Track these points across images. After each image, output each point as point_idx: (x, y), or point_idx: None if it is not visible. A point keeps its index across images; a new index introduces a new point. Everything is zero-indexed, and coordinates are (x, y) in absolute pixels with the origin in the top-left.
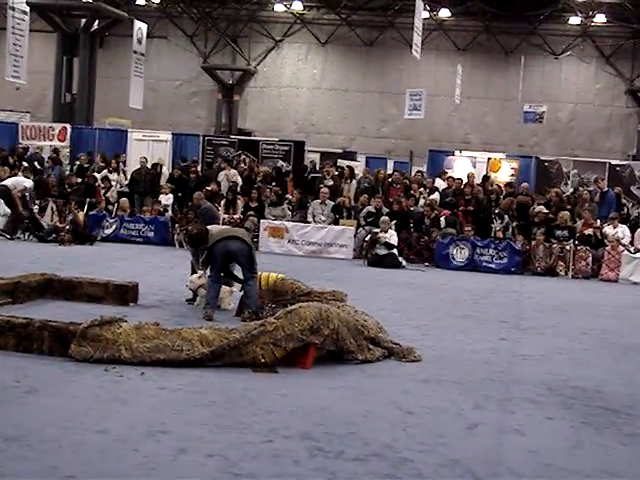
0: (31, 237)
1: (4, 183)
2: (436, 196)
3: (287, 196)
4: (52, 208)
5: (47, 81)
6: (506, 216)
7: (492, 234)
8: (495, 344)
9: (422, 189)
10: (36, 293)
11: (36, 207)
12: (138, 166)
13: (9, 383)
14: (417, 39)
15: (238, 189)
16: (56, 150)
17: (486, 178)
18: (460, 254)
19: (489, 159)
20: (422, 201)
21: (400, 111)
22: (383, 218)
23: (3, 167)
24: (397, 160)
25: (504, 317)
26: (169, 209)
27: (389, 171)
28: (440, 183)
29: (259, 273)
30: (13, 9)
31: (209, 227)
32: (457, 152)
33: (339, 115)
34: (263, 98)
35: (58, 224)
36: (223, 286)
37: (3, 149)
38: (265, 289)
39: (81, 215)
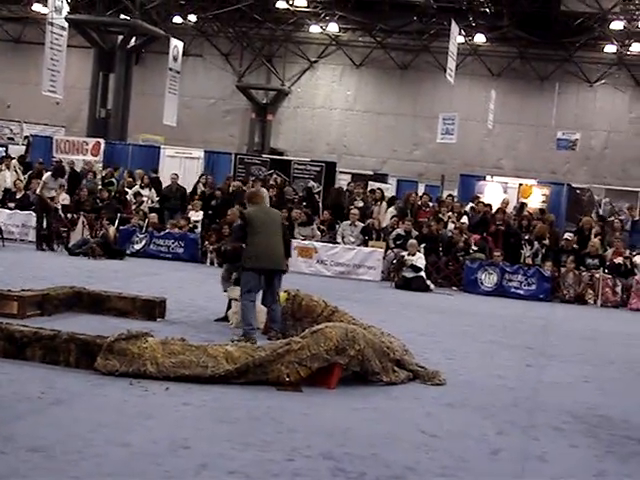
0: (60, 249)
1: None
2: (465, 220)
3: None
4: (83, 222)
5: (83, 96)
6: (536, 242)
7: (521, 260)
8: (521, 370)
9: (451, 213)
10: (64, 306)
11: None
12: (169, 183)
13: (35, 394)
14: (451, 64)
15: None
16: (88, 163)
17: (523, 205)
18: (488, 279)
19: (520, 185)
20: (451, 225)
21: (433, 135)
22: (411, 241)
23: (37, 179)
24: (428, 184)
25: (531, 343)
26: (199, 225)
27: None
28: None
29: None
30: (52, 24)
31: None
32: (489, 177)
33: (371, 137)
34: (296, 118)
35: (89, 238)
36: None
37: (42, 162)
38: (283, 307)
39: (112, 230)
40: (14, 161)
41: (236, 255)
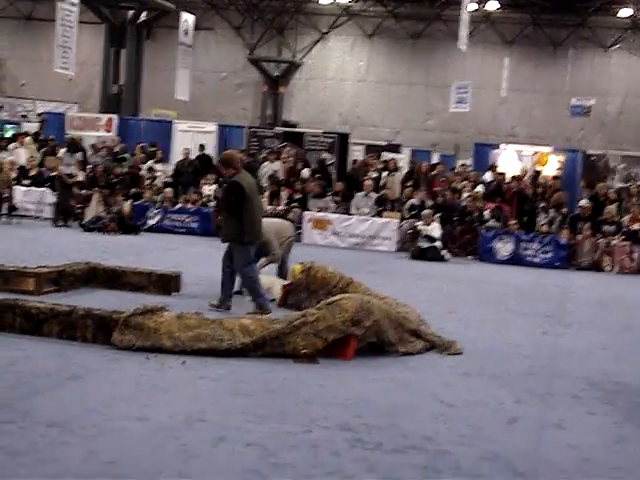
0: (75, 225)
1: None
2: (480, 189)
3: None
4: (98, 198)
5: (95, 72)
6: (551, 210)
7: (537, 228)
8: (537, 338)
9: (465, 182)
10: (80, 282)
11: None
12: (182, 157)
13: (52, 370)
14: (464, 32)
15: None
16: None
17: (537, 173)
18: (504, 248)
19: (535, 153)
20: (466, 194)
21: (446, 104)
22: (425, 211)
23: (51, 157)
24: (442, 153)
25: (547, 311)
26: (212, 199)
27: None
28: (489, 176)
29: (291, 266)
30: (62, 0)
31: None
32: (503, 145)
33: (384, 107)
34: (308, 90)
35: (103, 214)
36: (271, 276)
37: (54, 139)
38: (297, 280)
39: (126, 205)
40: (28, 138)
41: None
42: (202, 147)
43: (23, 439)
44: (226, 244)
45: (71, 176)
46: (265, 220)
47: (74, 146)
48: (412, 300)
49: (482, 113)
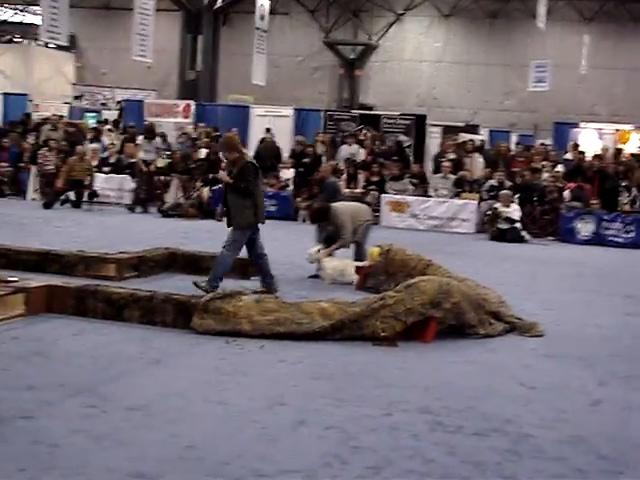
0: (154, 211)
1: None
2: (560, 169)
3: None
4: (176, 184)
5: (172, 59)
6: (634, 189)
7: (619, 207)
8: (620, 319)
9: (545, 162)
10: (160, 267)
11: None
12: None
13: (134, 354)
14: (542, 9)
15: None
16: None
17: (619, 152)
18: (585, 228)
19: (617, 131)
20: (546, 174)
21: (524, 83)
22: (503, 192)
23: (130, 144)
24: (521, 133)
25: (630, 292)
26: (290, 184)
27: (512, 145)
28: (570, 156)
29: (369, 249)
30: None
31: (337, 204)
32: (583, 124)
33: (461, 88)
34: (385, 72)
35: (182, 200)
36: (344, 259)
37: (133, 126)
38: (375, 263)
39: (205, 191)
40: (108, 126)
41: (321, 214)
42: (268, 130)
43: (105, 423)
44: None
45: (149, 163)
46: (342, 204)
47: (152, 133)
48: (492, 282)
49: (561, 92)
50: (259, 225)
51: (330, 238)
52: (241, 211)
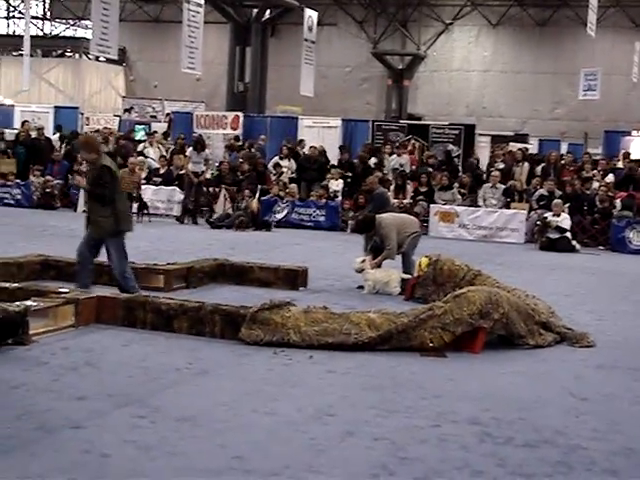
0: (202, 222)
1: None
2: (611, 178)
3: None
4: (225, 195)
5: (221, 71)
6: None
7: None
8: None
9: (595, 171)
10: (208, 278)
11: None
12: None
13: (182, 365)
14: (592, 17)
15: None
16: (237, 138)
17: None
18: (637, 237)
19: None
20: (596, 183)
21: (574, 92)
22: (555, 201)
23: (179, 155)
24: (571, 142)
25: None
26: (339, 194)
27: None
28: (621, 164)
29: (417, 259)
30: (188, 2)
31: (382, 215)
32: (635, 132)
33: (511, 97)
34: (433, 82)
35: (230, 211)
36: (389, 270)
37: (183, 137)
38: (424, 273)
39: (254, 201)
40: (157, 135)
41: (366, 225)
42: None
43: (154, 433)
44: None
45: (198, 174)
46: (388, 215)
47: (200, 144)
48: (541, 292)
49: (612, 100)
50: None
51: (377, 248)
52: (101, 218)
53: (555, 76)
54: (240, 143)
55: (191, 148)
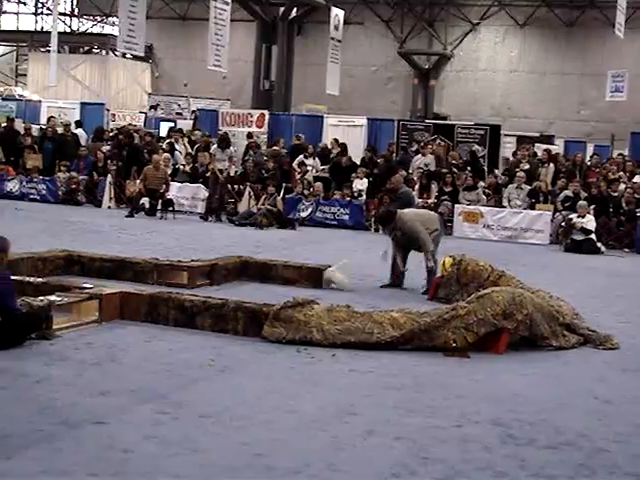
0: (226, 220)
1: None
2: (638, 180)
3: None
4: (249, 193)
5: (247, 69)
6: None
7: None
8: None
9: (622, 173)
10: (232, 275)
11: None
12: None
13: (205, 362)
14: (620, 17)
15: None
16: (250, 135)
17: None
18: None
19: None
20: (622, 185)
21: (601, 93)
22: (580, 203)
23: (204, 153)
24: (597, 144)
25: None
26: (363, 194)
27: (588, 155)
28: None
29: (441, 259)
30: (215, 0)
31: (403, 211)
32: None
33: (537, 98)
34: (459, 82)
35: (254, 209)
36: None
37: (209, 134)
38: (447, 273)
39: (278, 200)
40: (197, 133)
41: (388, 217)
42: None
43: (176, 430)
44: None
45: (222, 172)
46: (410, 210)
47: (225, 142)
48: (566, 293)
49: (639, 101)
50: None
51: (397, 243)
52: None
53: (582, 77)
54: (253, 140)
55: (215, 146)
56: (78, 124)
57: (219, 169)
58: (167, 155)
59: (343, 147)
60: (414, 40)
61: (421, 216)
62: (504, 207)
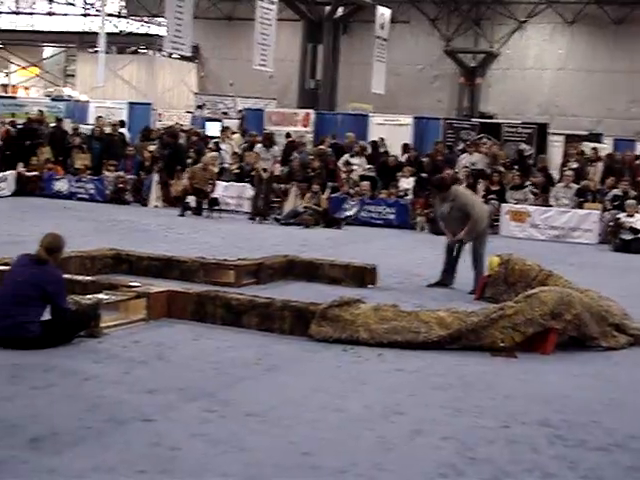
0: (271, 219)
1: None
2: None
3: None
4: (295, 192)
5: (292, 68)
6: None
7: None
8: None
9: None
10: (278, 274)
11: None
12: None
13: (251, 360)
14: None
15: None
16: (289, 134)
17: None
18: None
19: None
20: None
21: None
22: (629, 202)
23: (250, 152)
24: None
25: None
26: (409, 192)
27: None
28: None
29: (488, 258)
30: (261, 0)
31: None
32: None
33: (585, 96)
34: (506, 80)
35: (300, 208)
36: None
37: (255, 134)
38: (495, 272)
39: (323, 198)
40: (237, 136)
41: (444, 183)
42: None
43: (223, 428)
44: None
45: (266, 171)
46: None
47: (269, 141)
48: (615, 293)
49: None
50: None
51: (443, 219)
52: None
53: (631, 75)
54: (292, 139)
55: (259, 145)
56: (122, 124)
57: (263, 168)
58: (215, 154)
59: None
60: (460, 38)
61: (477, 199)
62: (552, 206)
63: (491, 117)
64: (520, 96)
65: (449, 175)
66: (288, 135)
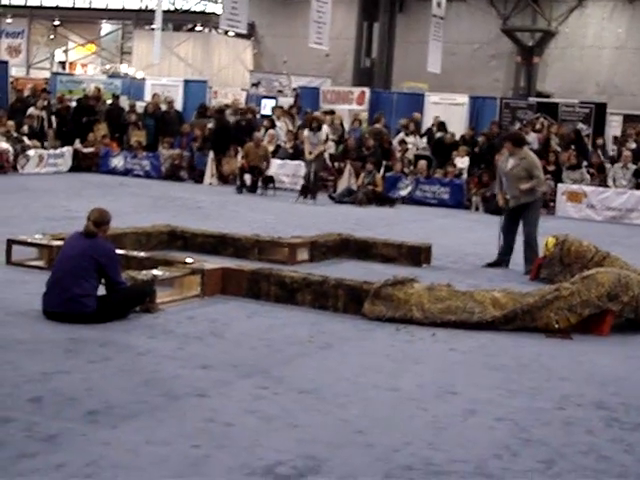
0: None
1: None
2: None
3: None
4: (350, 170)
5: (348, 47)
6: None
7: None
8: None
9: None
10: (332, 252)
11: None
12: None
13: (305, 338)
14: None
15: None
16: (327, 112)
17: None
18: None
19: None
20: None
21: None
22: None
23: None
24: None
25: None
26: (464, 172)
27: None
28: None
29: (544, 239)
30: None
31: None
32: None
33: None
34: (564, 59)
35: (354, 186)
36: None
37: (310, 112)
38: (550, 253)
39: (378, 177)
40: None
41: (520, 137)
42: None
43: (276, 405)
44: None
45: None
46: None
47: (317, 124)
48: None
49: None
50: None
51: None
52: None
53: None
54: (333, 116)
55: (306, 130)
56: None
57: (309, 152)
58: (273, 132)
59: (442, 125)
60: (518, 17)
61: None
62: (609, 187)
63: (548, 96)
64: (578, 75)
65: None
66: (327, 113)
